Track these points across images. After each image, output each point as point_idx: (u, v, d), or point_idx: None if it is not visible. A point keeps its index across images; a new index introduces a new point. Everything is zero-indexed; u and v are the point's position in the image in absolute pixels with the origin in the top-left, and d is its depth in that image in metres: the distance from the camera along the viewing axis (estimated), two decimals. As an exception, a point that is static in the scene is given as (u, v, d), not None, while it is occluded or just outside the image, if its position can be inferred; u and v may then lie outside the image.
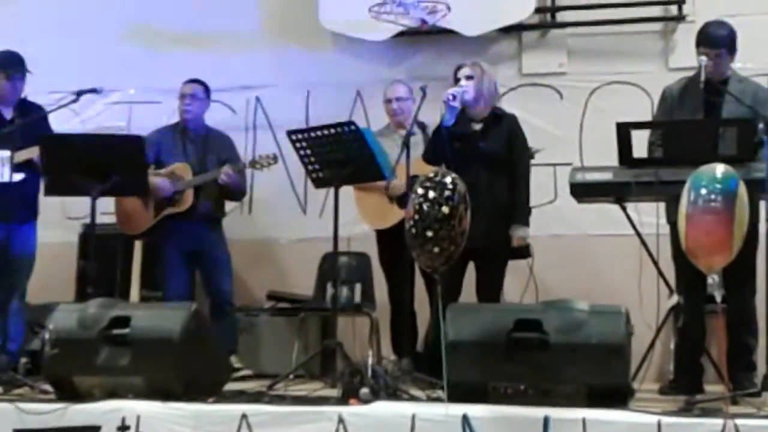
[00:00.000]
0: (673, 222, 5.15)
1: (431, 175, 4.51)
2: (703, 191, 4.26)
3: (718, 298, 4.35)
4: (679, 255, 5.09)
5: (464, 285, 5.81)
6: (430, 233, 4.37)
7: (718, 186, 4.27)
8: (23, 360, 6.18)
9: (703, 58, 5.38)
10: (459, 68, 5.91)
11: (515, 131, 5.91)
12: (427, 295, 6.13)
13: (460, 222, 4.39)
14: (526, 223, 5.82)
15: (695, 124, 5.45)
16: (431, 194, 4.41)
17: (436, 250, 4.37)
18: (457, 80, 5.85)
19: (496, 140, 5.84)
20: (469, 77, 5.83)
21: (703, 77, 5.32)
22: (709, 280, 4.39)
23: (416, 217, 4.41)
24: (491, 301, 5.60)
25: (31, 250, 6.44)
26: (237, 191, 6.90)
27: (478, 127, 5.87)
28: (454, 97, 5.67)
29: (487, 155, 5.79)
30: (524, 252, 5.86)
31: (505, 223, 5.77)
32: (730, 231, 4.27)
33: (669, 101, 5.66)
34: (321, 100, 7.66)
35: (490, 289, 5.75)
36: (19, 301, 6.43)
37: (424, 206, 4.38)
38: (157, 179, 6.59)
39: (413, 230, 4.42)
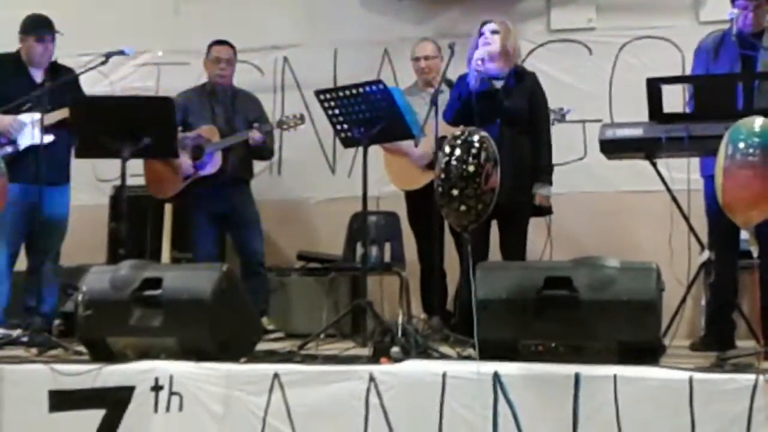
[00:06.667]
0: (707, 176, 5.10)
1: (458, 133, 4.50)
2: (741, 145, 4.19)
3: (755, 254, 4.32)
4: (712, 209, 5.06)
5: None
6: (455, 191, 4.36)
7: (756, 140, 4.19)
8: (57, 322, 6.25)
9: (734, 11, 5.31)
10: (485, 23, 5.89)
11: (536, 89, 5.90)
12: (457, 254, 6.13)
13: (486, 180, 4.38)
14: (549, 182, 5.84)
15: (725, 79, 5.39)
16: (457, 152, 4.40)
17: (463, 208, 4.37)
18: (481, 35, 5.83)
19: (519, 98, 5.82)
20: (494, 32, 5.82)
21: (734, 30, 5.27)
22: (743, 236, 4.34)
23: (443, 176, 4.41)
24: (517, 259, 5.58)
25: (64, 212, 6.46)
26: (266, 151, 6.92)
27: (499, 84, 5.84)
28: (483, 61, 5.66)
29: (510, 113, 5.76)
30: (546, 209, 5.87)
31: (528, 181, 5.77)
32: (768, 185, 4.22)
33: (705, 55, 5.59)
34: (349, 59, 7.64)
35: (514, 246, 5.74)
36: (53, 264, 6.48)
37: (450, 165, 4.38)
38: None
39: (440, 189, 4.42)
